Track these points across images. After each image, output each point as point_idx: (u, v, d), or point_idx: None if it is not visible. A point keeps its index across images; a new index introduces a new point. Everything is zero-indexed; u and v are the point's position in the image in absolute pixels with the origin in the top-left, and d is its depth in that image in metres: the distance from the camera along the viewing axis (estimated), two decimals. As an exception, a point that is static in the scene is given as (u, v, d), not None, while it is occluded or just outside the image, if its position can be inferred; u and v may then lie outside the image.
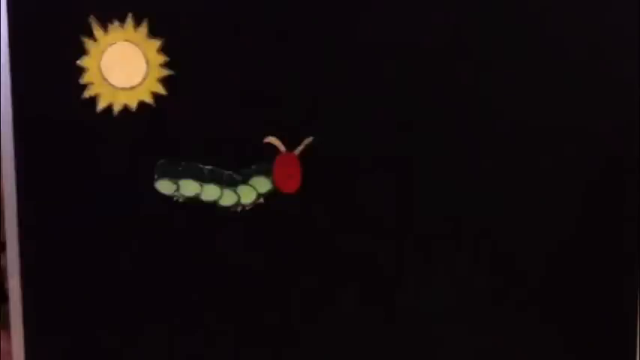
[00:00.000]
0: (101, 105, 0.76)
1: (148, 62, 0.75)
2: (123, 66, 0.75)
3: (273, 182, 0.76)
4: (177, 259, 0.78)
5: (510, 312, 0.80)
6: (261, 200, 0.77)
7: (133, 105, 0.76)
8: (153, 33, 0.75)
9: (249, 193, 0.77)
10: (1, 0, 0.74)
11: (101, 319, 0.78)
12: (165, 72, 0.76)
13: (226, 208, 0.77)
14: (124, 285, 0.78)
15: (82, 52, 0.75)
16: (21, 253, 0.77)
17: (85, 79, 0.75)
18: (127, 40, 0.75)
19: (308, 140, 0.76)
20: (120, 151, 0.76)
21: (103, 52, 0.75)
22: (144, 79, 0.75)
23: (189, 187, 0.77)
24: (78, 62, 0.75)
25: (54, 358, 0.79)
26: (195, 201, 0.77)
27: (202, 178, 0.76)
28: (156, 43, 0.75)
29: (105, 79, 0.75)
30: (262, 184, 0.77)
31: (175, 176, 0.76)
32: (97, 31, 0.75)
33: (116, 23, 0.75)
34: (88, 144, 0.76)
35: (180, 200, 0.77)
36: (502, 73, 0.78)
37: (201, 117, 0.76)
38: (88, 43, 0.75)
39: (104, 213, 0.76)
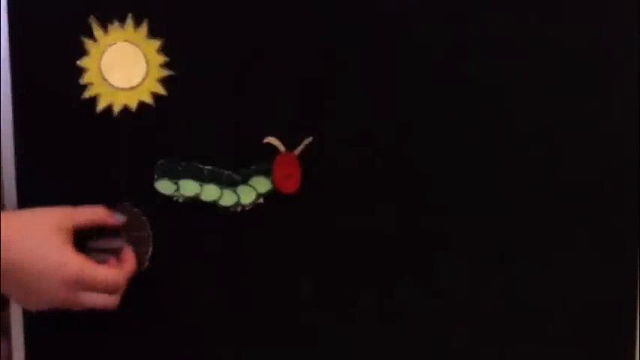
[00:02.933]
0: (101, 105, 0.76)
1: (147, 62, 0.75)
2: (123, 66, 0.75)
3: (272, 182, 0.76)
4: (176, 259, 0.78)
5: (510, 312, 0.80)
6: (261, 200, 0.77)
7: (133, 105, 0.76)
8: (153, 33, 0.75)
9: (249, 193, 0.77)
10: (1, 0, 0.74)
11: (102, 321, 0.78)
12: (165, 72, 0.76)
13: (226, 208, 0.77)
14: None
15: (82, 52, 0.75)
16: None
17: (85, 80, 0.75)
18: (126, 41, 0.75)
19: (308, 140, 0.77)
20: (120, 151, 0.76)
21: (103, 52, 0.75)
22: (144, 79, 0.75)
23: (189, 188, 0.77)
24: (78, 62, 0.75)
25: None
26: (195, 201, 0.77)
27: (202, 178, 0.76)
28: (156, 43, 0.75)
29: (105, 80, 0.75)
30: (262, 184, 0.77)
31: (175, 176, 0.76)
32: (97, 32, 0.75)
33: (116, 23, 0.75)
34: (88, 144, 0.76)
35: (180, 200, 0.77)
36: (501, 73, 0.78)
37: (201, 117, 0.76)
38: (88, 44, 0.75)
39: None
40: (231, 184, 0.77)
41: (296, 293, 0.79)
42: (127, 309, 0.78)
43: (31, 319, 0.77)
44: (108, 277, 0.70)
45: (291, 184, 0.77)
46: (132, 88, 0.75)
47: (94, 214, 0.73)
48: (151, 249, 0.76)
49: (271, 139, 0.76)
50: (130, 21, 0.75)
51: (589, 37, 0.78)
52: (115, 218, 0.74)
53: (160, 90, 0.76)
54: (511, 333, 0.81)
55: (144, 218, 0.76)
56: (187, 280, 0.78)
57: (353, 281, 0.79)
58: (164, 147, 0.76)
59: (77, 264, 0.68)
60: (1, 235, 0.66)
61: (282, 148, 0.76)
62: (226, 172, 0.77)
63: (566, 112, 0.79)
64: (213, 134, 0.77)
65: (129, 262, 0.73)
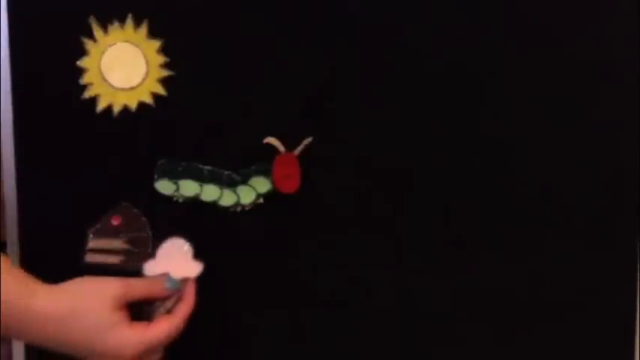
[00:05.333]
0: (101, 105, 0.76)
1: (147, 63, 0.75)
2: (123, 66, 0.75)
3: (272, 182, 0.76)
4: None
5: (510, 312, 0.80)
6: (261, 200, 0.77)
7: (133, 105, 0.76)
8: (153, 33, 0.75)
9: (249, 193, 0.77)
10: (1, 0, 0.74)
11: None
12: (165, 72, 0.76)
13: (226, 208, 0.77)
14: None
15: (82, 52, 0.75)
16: (21, 253, 0.77)
17: (85, 80, 0.75)
18: (126, 41, 0.75)
19: (308, 140, 0.77)
20: (120, 151, 0.76)
21: (102, 52, 0.75)
22: (144, 79, 0.76)
23: (188, 188, 0.77)
24: (78, 63, 0.75)
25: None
26: (195, 201, 0.77)
27: (202, 179, 0.76)
28: (156, 44, 0.75)
29: (105, 80, 0.75)
30: (262, 185, 0.77)
31: (175, 176, 0.76)
32: (97, 32, 0.75)
33: (116, 24, 0.75)
34: (88, 144, 0.76)
35: (180, 200, 0.77)
36: (501, 73, 0.78)
37: (201, 117, 0.76)
38: (88, 44, 0.75)
39: (104, 213, 0.76)
40: (231, 184, 0.77)
41: (296, 293, 0.79)
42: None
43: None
44: (164, 335, 0.68)
45: (290, 184, 0.77)
46: (132, 89, 0.76)
47: (147, 288, 0.70)
48: (150, 249, 0.76)
49: (271, 139, 0.76)
50: (130, 21, 0.75)
51: (589, 37, 0.78)
52: (166, 289, 0.71)
53: (160, 90, 0.76)
54: (510, 331, 0.81)
55: (144, 219, 0.76)
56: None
57: (353, 281, 0.79)
58: (164, 147, 0.76)
59: (134, 342, 0.66)
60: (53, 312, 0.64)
61: (281, 148, 0.76)
62: (226, 172, 0.77)
63: (566, 112, 0.79)
64: (213, 134, 0.77)
65: (188, 299, 0.71)
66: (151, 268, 0.74)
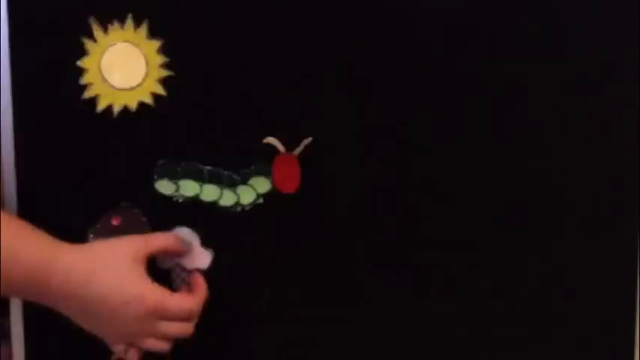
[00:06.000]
0: (101, 105, 0.76)
1: (147, 63, 0.75)
2: (123, 67, 0.75)
3: (272, 182, 0.76)
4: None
5: (510, 311, 0.80)
6: (261, 200, 0.77)
7: (133, 105, 0.76)
8: (153, 33, 0.75)
9: (249, 193, 0.77)
10: (1, 0, 0.74)
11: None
12: (165, 73, 0.76)
13: (226, 209, 0.77)
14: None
15: (82, 52, 0.75)
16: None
17: (85, 80, 0.75)
18: (126, 41, 0.75)
19: (308, 140, 0.77)
20: (120, 151, 0.76)
21: (102, 52, 0.75)
22: (144, 79, 0.76)
23: (188, 188, 0.77)
24: (78, 62, 0.75)
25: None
26: (195, 201, 0.77)
27: (202, 179, 0.77)
28: (156, 44, 0.75)
29: (105, 80, 0.75)
30: (262, 185, 0.77)
31: (175, 176, 0.76)
32: (97, 32, 0.75)
33: (116, 24, 0.75)
34: (88, 144, 0.76)
35: (180, 200, 0.77)
36: (501, 73, 0.78)
37: (200, 117, 0.76)
38: (88, 44, 0.75)
39: (104, 213, 0.76)
40: (231, 184, 0.77)
41: (296, 293, 0.79)
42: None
43: (31, 324, 0.77)
44: (184, 305, 0.71)
45: (290, 184, 0.77)
46: (132, 89, 0.76)
47: (165, 241, 0.74)
48: None
49: (271, 139, 0.76)
50: (130, 21, 0.75)
51: (589, 37, 0.78)
52: (185, 245, 0.75)
53: (160, 90, 0.76)
54: (510, 331, 0.81)
55: (144, 219, 0.76)
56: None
57: (353, 281, 0.79)
58: (164, 147, 0.76)
59: (154, 295, 0.69)
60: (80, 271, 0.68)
61: (281, 148, 0.76)
62: (226, 172, 0.77)
63: (566, 111, 0.79)
64: (213, 134, 0.77)
65: (201, 287, 0.75)
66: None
